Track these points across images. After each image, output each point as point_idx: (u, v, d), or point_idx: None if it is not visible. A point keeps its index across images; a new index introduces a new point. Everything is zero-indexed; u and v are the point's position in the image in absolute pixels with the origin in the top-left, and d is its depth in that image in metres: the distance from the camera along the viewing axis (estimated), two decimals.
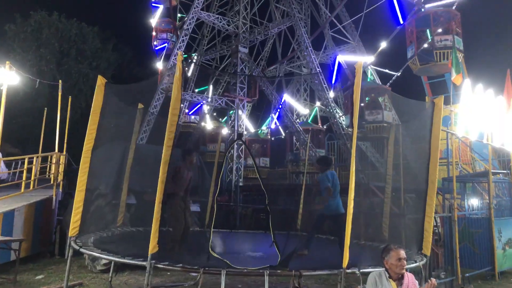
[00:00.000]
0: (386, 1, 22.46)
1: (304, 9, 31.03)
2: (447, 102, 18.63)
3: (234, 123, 23.67)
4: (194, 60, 31.41)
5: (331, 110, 22.83)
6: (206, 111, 29.89)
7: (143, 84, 10.64)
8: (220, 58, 33.23)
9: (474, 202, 13.55)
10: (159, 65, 30.16)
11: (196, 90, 30.75)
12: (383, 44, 22.52)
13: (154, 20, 31.84)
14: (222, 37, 31.95)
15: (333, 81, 24.23)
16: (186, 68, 29.67)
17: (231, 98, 24.56)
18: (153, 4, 32.40)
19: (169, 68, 24.15)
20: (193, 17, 25.70)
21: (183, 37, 25.39)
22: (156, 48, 31.33)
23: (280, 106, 26.68)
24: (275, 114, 28.98)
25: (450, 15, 19.15)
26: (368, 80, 21.78)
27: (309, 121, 27.69)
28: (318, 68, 24.55)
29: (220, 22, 27.02)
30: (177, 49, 24.85)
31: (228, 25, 27.01)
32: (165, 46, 30.61)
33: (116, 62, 37.55)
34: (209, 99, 26.19)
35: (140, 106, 9.89)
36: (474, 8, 24.25)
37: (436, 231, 12.00)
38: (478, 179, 14.21)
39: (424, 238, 7.43)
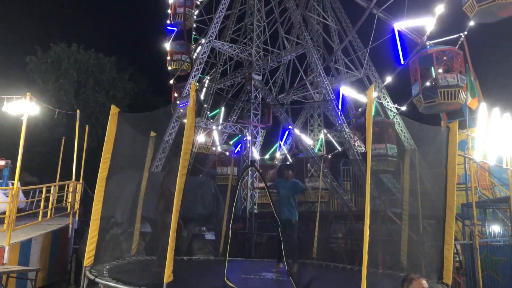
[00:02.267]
0: (390, 38, 22.53)
1: (315, 39, 31.35)
2: (463, 126, 18.48)
3: (248, 150, 23.73)
4: (206, 85, 31.73)
5: (346, 136, 22.74)
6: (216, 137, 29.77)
7: (156, 113, 10.81)
8: (233, 85, 33.61)
9: (495, 228, 13.19)
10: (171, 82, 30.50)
11: (209, 113, 30.96)
12: (388, 79, 22.54)
13: (168, 44, 32.51)
14: (235, 64, 32.38)
15: (399, 52, 23.33)
16: (201, 96, 30.05)
17: (244, 125, 24.71)
18: (169, 28, 33.20)
19: (183, 96, 24.54)
20: (207, 46, 26.23)
21: (197, 65, 25.85)
22: (170, 69, 31.93)
23: (287, 133, 26.64)
24: (283, 140, 28.95)
25: (453, 54, 19.09)
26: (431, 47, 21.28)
27: (315, 150, 27.52)
28: (331, 93, 24.63)
29: (234, 50, 27.49)
30: (192, 78, 25.27)
31: (242, 53, 27.47)
32: (179, 64, 31.19)
33: (132, 91, 38.35)
34: (223, 125, 26.39)
35: (153, 134, 10.02)
36: (487, 32, 24.27)
37: (457, 259, 11.67)
38: (498, 205, 13.86)
39: (444, 267, 7.22)
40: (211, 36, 26.26)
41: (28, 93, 11.36)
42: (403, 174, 11.29)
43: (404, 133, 23.82)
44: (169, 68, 32.27)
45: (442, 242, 7.31)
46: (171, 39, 32.54)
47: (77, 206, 13.66)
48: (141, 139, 9.61)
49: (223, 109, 30.51)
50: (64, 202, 14.84)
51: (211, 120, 28.73)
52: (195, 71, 25.66)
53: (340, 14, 30.05)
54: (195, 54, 31.28)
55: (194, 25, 32.38)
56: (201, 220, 13.72)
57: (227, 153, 27.82)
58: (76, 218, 13.27)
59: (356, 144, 22.06)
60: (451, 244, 7.21)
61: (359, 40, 27.78)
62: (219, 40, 28.58)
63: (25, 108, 11.45)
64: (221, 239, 11.74)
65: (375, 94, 23.98)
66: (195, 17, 32.16)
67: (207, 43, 26.10)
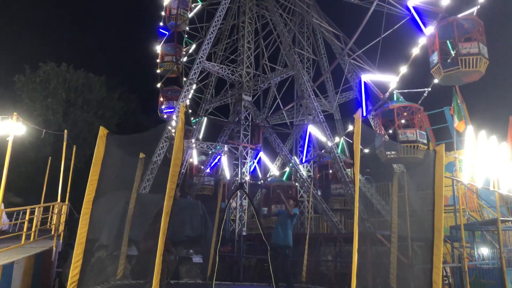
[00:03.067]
0: (406, 16, 22.50)
1: (306, 59, 31.96)
2: (450, 148, 18.65)
3: (238, 170, 23.66)
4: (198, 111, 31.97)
5: (335, 157, 22.80)
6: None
7: (145, 134, 10.73)
8: (225, 106, 33.80)
9: (484, 251, 13.19)
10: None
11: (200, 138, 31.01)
12: (407, 63, 21.77)
13: (159, 46, 32.76)
14: (225, 84, 32.70)
15: (363, 104, 23.79)
16: (192, 118, 30.17)
17: (235, 145, 24.70)
18: (161, 30, 33.51)
19: (173, 117, 24.53)
20: (197, 66, 26.36)
21: (188, 86, 25.88)
22: (163, 110, 31.90)
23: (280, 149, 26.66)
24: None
25: (474, 23, 18.69)
26: (395, 100, 21.47)
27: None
28: (320, 115, 24.82)
29: (224, 71, 27.68)
30: (182, 99, 25.28)
31: (232, 74, 27.66)
32: (170, 65, 31.35)
33: (121, 111, 38.24)
34: (212, 146, 26.34)
35: (142, 155, 9.94)
36: None
37: (447, 281, 11.60)
38: (487, 227, 13.90)
39: None
40: (202, 57, 26.43)
41: (14, 113, 11.21)
42: (392, 196, 11.30)
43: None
44: (159, 70, 32.46)
45: (431, 265, 7.26)
46: (162, 41, 32.85)
47: (61, 228, 13.36)
48: (129, 160, 9.51)
49: (204, 125, 30.67)
50: (48, 224, 14.52)
51: (197, 141, 28.65)
52: (185, 92, 25.68)
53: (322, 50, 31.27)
54: (185, 58, 32.01)
55: (187, 28, 32.72)
56: (189, 242, 13.52)
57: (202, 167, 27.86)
58: (60, 241, 12.97)
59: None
60: (439, 268, 7.15)
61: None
62: (212, 60, 29.04)
63: (11, 128, 11.29)
64: (209, 262, 11.56)
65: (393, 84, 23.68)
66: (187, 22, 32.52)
67: (197, 64, 26.23)
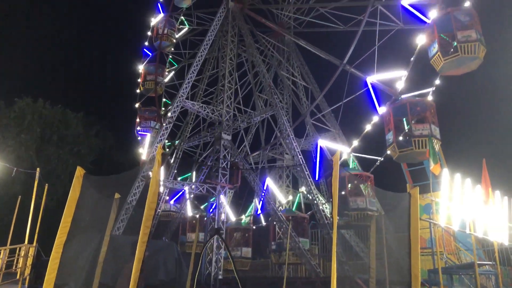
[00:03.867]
0: (364, 92, 23.77)
1: (286, 98, 32.52)
2: (427, 190, 18.85)
3: (215, 211, 23.24)
4: (176, 146, 31.84)
5: (314, 198, 22.74)
6: (187, 198, 29.50)
7: (122, 175, 10.50)
8: (204, 144, 33.74)
9: None
10: (141, 151, 30.55)
11: (179, 178, 30.67)
12: (354, 143, 23.89)
13: (142, 66, 33.47)
14: (206, 124, 32.90)
15: (317, 168, 24.54)
16: (169, 157, 30.00)
17: (212, 185, 24.35)
18: (145, 50, 34.51)
19: (150, 158, 24.18)
20: (177, 105, 26.35)
21: (167, 125, 25.71)
22: (138, 132, 32.19)
23: (263, 194, 26.52)
24: (259, 201, 28.69)
25: (426, 105, 20.01)
26: (351, 167, 22.13)
27: (293, 209, 27.40)
28: (299, 155, 24.91)
29: (204, 110, 27.75)
30: (160, 137, 25.04)
31: (212, 113, 27.72)
32: (147, 133, 31.47)
33: (97, 148, 37.62)
34: (191, 186, 25.92)
35: (117, 196, 9.66)
36: (449, 100, 25.82)
37: None
38: (464, 271, 13.88)
39: None
40: (182, 96, 26.49)
41: None
42: (370, 239, 11.23)
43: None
44: (138, 91, 33.12)
45: None
46: (146, 61, 33.71)
47: (27, 272, 12.67)
48: (104, 201, 9.22)
49: (194, 173, 30.55)
50: (14, 267, 13.76)
51: (179, 179, 28.35)
52: (163, 130, 25.47)
53: (308, 78, 31.74)
54: (167, 78, 32.95)
55: (172, 49, 34.04)
56: (163, 287, 12.99)
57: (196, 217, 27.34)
58: (26, 285, 12.27)
59: (325, 206, 22.00)
60: None
61: (326, 104, 29.25)
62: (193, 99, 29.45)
63: None
64: None
65: (345, 155, 24.52)
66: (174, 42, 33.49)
67: (177, 103, 26.25)
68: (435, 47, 19.39)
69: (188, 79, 27.12)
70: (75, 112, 36.17)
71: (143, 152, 30.57)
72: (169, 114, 26.16)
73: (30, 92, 34.90)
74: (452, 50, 18.90)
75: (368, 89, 22.83)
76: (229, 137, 27.27)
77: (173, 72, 35.21)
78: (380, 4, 23.41)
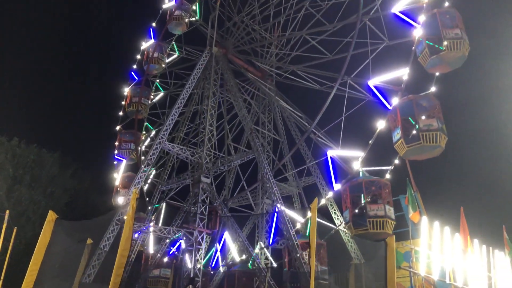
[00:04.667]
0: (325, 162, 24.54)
1: (267, 142, 32.73)
2: (406, 237, 18.80)
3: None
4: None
5: (294, 244, 22.31)
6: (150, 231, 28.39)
7: (96, 220, 10.17)
8: (185, 188, 33.19)
9: None
10: (115, 176, 31.12)
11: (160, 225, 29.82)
12: (330, 194, 24.62)
13: (128, 88, 34.87)
14: (183, 165, 32.73)
15: (332, 179, 24.27)
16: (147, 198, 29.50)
17: (190, 230, 23.73)
18: (132, 73, 35.86)
19: (126, 203, 23.53)
20: (157, 147, 26.12)
21: (145, 166, 25.29)
22: (115, 156, 32.82)
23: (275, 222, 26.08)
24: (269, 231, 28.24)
25: (381, 185, 20.42)
26: (362, 176, 21.77)
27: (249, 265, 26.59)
28: (280, 200, 24.72)
29: (184, 153, 27.54)
30: (138, 180, 24.54)
31: (192, 156, 27.51)
32: (123, 159, 32.03)
33: (72, 189, 36.51)
34: (166, 230, 25.13)
35: (89, 241, 9.29)
36: None
37: None
38: None
39: None
40: (162, 138, 26.35)
41: None
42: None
43: (351, 243, 23.91)
44: (122, 112, 34.27)
45: None
46: (132, 84, 34.88)
47: None
48: (75, 247, 8.82)
49: (163, 211, 29.88)
50: None
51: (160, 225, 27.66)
52: (141, 173, 25.02)
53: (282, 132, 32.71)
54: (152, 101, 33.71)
55: (159, 75, 35.56)
56: None
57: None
58: None
59: (304, 253, 21.59)
60: None
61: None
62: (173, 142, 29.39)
63: None
64: None
65: (323, 201, 24.56)
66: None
67: (156, 145, 26.04)
68: (399, 133, 20.21)
69: (169, 121, 27.12)
70: (51, 152, 35.35)
71: (117, 177, 30.94)
72: (147, 156, 25.83)
73: (4, 130, 34.10)
74: (414, 135, 19.71)
75: (373, 92, 23.33)
76: (208, 180, 26.95)
77: (158, 96, 36.17)
78: (351, 80, 24.80)
